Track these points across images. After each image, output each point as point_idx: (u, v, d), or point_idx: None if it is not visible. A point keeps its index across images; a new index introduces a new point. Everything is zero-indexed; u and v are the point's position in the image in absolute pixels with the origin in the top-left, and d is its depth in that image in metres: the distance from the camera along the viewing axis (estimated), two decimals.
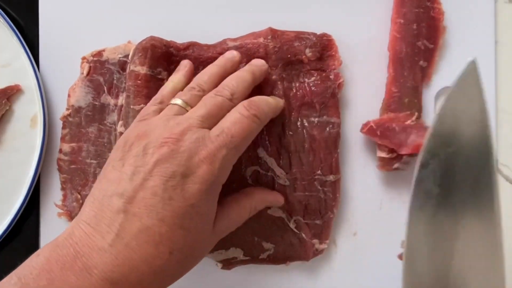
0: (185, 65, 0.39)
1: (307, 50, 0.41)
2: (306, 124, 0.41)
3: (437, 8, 0.43)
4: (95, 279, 0.28)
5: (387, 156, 0.41)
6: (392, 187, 0.44)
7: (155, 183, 0.30)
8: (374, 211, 0.44)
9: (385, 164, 0.42)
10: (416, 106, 0.42)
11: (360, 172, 0.44)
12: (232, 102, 0.35)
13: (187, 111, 0.34)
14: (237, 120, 0.33)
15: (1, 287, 0.28)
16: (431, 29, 0.43)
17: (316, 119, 0.41)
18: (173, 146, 0.31)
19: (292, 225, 0.41)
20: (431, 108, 0.44)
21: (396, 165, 0.41)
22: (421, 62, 0.42)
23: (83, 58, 0.43)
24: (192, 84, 0.36)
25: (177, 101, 0.35)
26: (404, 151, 0.41)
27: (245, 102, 0.35)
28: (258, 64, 0.39)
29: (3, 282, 0.29)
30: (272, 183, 0.41)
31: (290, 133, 0.41)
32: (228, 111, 0.34)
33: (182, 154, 0.31)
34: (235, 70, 0.38)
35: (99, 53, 0.43)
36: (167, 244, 0.30)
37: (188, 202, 0.30)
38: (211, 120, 0.33)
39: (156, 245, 0.29)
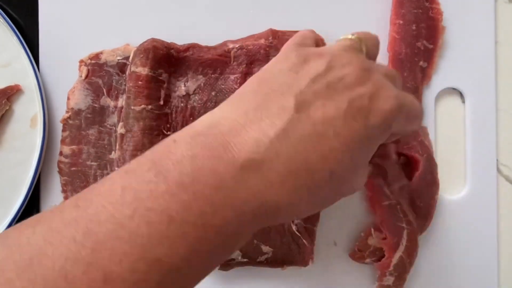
0: None
1: None
2: None
3: (435, 8, 0.43)
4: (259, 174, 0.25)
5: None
6: None
7: (340, 97, 0.27)
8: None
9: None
10: None
11: None
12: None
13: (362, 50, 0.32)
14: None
15: (136, 171, 0.25)
16: (430, 30, 0.43)
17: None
18: (363, 72, 0.28)
19: (293, 229, 0.41)
20: (431, 108, 0.44)
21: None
22: (421, 63, 0.42)
23: (81, 61, 0.43)
24: None
25: (352, 36, 0.32)
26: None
27: None
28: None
29: (137, 167, 0.25)
30: None
31: None
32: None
33: (373, 82, 0.28)
34: None
35: (97, 56, 0.43)
36: (332, 162, 0.26)
37: (368, 132, 0.27)
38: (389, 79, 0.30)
39: (323, 158, 0.26)
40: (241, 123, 0.26)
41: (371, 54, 0.33)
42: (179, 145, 0.25)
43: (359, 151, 0.27)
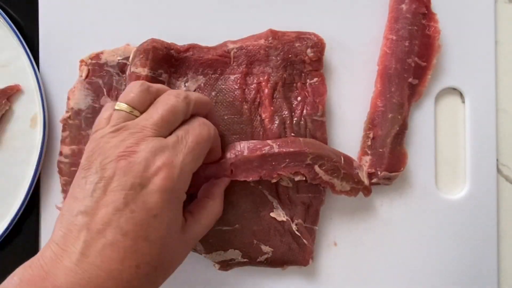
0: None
1: (308, 50, 0.41)
2: (309, 124, 0.41)
3: (433, 27, 0.42)
4: None
5: (367, 170, 0.42)
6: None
7: (115, 198, 0.30)
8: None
9: (368, 179, 0.42)
10: (398, 122, 0.42)
11: None
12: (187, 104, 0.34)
13: (135, 116, 0.33)
14: (192, 126, 0.34)
15: None
16: (425, 47, 0.42)
17: (319, 119, 0.41)
18: (130, 158, 0.30)
19: (293, 228, 0.41)
20: (431, 108, 0.44)
21: (374, 180, 0.42)
22: (410, 79, 0.42)
23: (81, 61, 0.43)
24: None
25: (122, 105, 0.33)
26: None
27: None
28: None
29: None
30: (275, 185, 0.41)
31: (293, 134, 0.41)
32: (184, 114, 0.34)
33: (139, 165, 0.30)
34: None
35: (97, 56, 0.43)
36: (133, 258, 0.29)
37: (150, 213, 0.30)
38: (166, 127, 0.33)
39: (122, 260, 0.29)
40: (55, 252, 0.29)
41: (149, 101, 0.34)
42: (14, 280, 0.29)
43: (154, 231, 0.30)
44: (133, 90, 0.34)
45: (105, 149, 0.31)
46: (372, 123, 0.42)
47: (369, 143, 0.42)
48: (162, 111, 0.33)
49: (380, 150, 0.42)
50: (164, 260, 0.31)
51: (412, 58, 0.41)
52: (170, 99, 0.33)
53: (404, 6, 0.42)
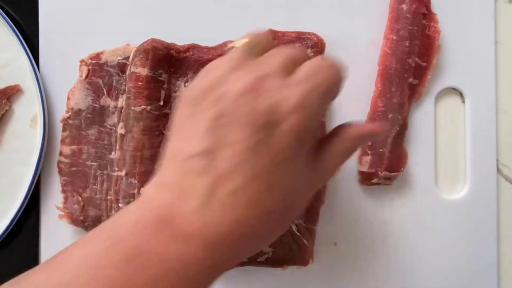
0: None
1: (308, 50, 0.41)
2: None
3: (433, 27, 0.42)
4: (192, 244, 0.25)
5: (367, 170, 0.42)
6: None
7: (239, 136, 0.26)
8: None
9: (365, 179, 0.42)
10: (399, 122, 0.42)
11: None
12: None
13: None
14: (320, 65, 0.29)
15: (88, 239, 0.26)
16: (425, 47, 0.42)
17: (320, 119, 0.41)
18: (254, 93, 0.26)
19: (293, 229, 0.41)
20: (431, 108, 0.44)
21: (375, 180, 0.42)
22: (411, 79, 0.42)
23: (81, 61, 0.43)
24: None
25: (243, 41, 0.30)
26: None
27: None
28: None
29: (91, 235, 0.27)
30: None
31: None
32: (304, 61, 0.29)
33: (269, 100, 0.26)
34: None
35: (97, 56, 0.43)
36: (261, 206, 0.26)
37: (282, 156, 0.26)
38: (289, 69, 0.28)
39: (248, 208, 0.26)
40: (172, 198, 0.26)
41: (267, 50, 0.31)
42: (126, 220, 0.26)
43: (284, 177, 0.27)
44: (257, 33, 0.31)
45: (225, 82, 0.27)
46: (373, 121, 0.42)
47: (369, 143, 0.42)
48: (284, 53, 0.29)
49: (381, 150, 0.41)
50: (291, 206, 0.28)
51: (413, 58, 0.41)
52: (287, 48, 0.30)
53: (404, 6, 0.42)
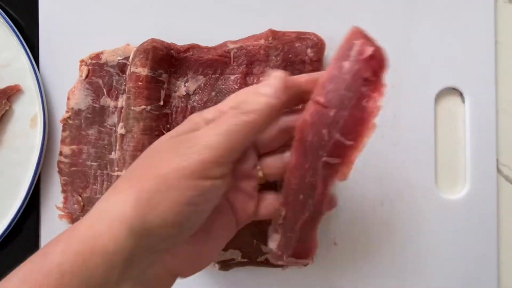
0: None
1: (309, 51, 0.41)
2: None
3: (373, 99, 0.31)
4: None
5: (274, 250, 0.36)
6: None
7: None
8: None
9: (273, 258, 0.36)
10: (309, 207, 0.33)
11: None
12: None
13: None
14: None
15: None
16: (355, 122, 0.31)
17: None
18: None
19: None
20: (431, 108, 0.44)
21: (281, 262, 0.36)
22: (325, 158, 0.31)
23: (81, 61, 0.43)
24: None
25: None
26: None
27: None
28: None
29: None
30: (275, 185, 0.41)
31: None
32: None
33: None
34: None
35: (97, 56, 0.43)
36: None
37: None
38: None
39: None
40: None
41: None
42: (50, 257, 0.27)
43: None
44: None
45: None
46: (286, 199, 0.34)
47: (281, 221, 0.34)
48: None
49: (288, 234, 0.35)
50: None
51: (333, 134, 0.31)
52: None
53: (345, 64, 0.31)
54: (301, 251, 0.36)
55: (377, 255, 0.44)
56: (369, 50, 0.30)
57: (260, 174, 0.35)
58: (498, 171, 0.44)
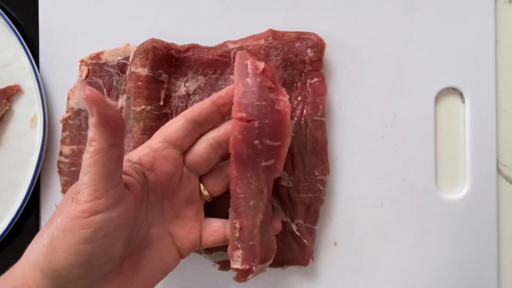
0: None
1: (309, 50, 0.41)
2: (309, 124, 0.41)
3: (282, 101, 0.36)
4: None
5: (240, 267, 0.37)
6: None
7: None
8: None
9: (240, 276, 0.37)
10: (261, 209, 0.37)
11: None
12: None
13: None
14: None
15: None
16: (276, 125, 0.36)
17: (320, 119, 0.41)
18: None
19: (294, 228, 0.41)
20: (431, 108, 0.44)
21: (250, 276, 0.37)
22: (264, 163, 0.36)
23: (81, 61, 0.43)
24: None
25: None
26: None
27: None
28: None
29: None
30: (275, 184, 0.41)
31: (293, 134, 0.41)
32: None
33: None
34: None
35: (97, 56, 0.43)
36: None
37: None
38: None
39: None
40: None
41: None
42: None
43: None
44: None
45: None
46: (236, 212, 0.37)
47: (237, 234, 0.36)
48: None
49: (250, 243, 0.37)
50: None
51: (263, 141, 0.36)
52: None
53: (248, 80, 0.36)
54: (265, 253, 0.37)
55: (377, 255, 0.44)
56: (261, 65, 0.36)
57: (206, 193, 0.38)
58: (498, 171, 0.44)
